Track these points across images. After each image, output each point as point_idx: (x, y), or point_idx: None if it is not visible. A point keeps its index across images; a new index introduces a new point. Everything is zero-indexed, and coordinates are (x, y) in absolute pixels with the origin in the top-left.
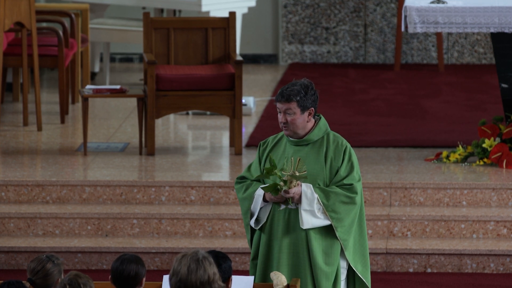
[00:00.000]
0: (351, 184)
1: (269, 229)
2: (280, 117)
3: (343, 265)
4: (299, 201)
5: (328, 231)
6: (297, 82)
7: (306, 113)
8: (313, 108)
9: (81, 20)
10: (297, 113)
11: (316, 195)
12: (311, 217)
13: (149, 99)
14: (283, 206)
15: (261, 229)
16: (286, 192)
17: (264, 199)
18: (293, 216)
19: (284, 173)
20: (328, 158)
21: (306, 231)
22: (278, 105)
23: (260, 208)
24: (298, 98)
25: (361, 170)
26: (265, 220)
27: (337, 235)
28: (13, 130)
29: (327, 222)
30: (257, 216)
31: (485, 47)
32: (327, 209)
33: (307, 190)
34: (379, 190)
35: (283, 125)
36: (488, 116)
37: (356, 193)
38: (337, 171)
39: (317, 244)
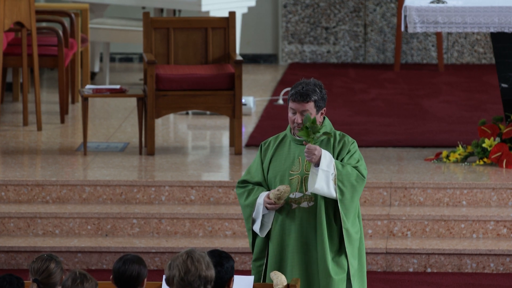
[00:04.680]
0: (359, 167)
1: (281, 229)
2: (296, 117)
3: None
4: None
5: (338, 231)
6: (309, 82)
7: (320, 113)
8: (325, 108)
9: (81, 20)
10: (313, 114)
11: (334, 159)
12: (324, 180)
13: (149, 99)
14: (294, 206)
15: (269, 231)
16: (310, 148)
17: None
18: (305, 216)
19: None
20: (335, 153)
21: (317, 230)
22: (294, 105)
23: (264, 214)
24: (316, 97)
25: None
26: (270, 226)
27: (339, 209)
28: (13, 130)
29: (332, 193)
30: (262, 220)
31: (485, 47)
32: (338, 177)
33: (326, 153)
34: (379, 190)
35: (298, 126)
36: (488, 116)
37: (364, 176)
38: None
39: (329, 242)
